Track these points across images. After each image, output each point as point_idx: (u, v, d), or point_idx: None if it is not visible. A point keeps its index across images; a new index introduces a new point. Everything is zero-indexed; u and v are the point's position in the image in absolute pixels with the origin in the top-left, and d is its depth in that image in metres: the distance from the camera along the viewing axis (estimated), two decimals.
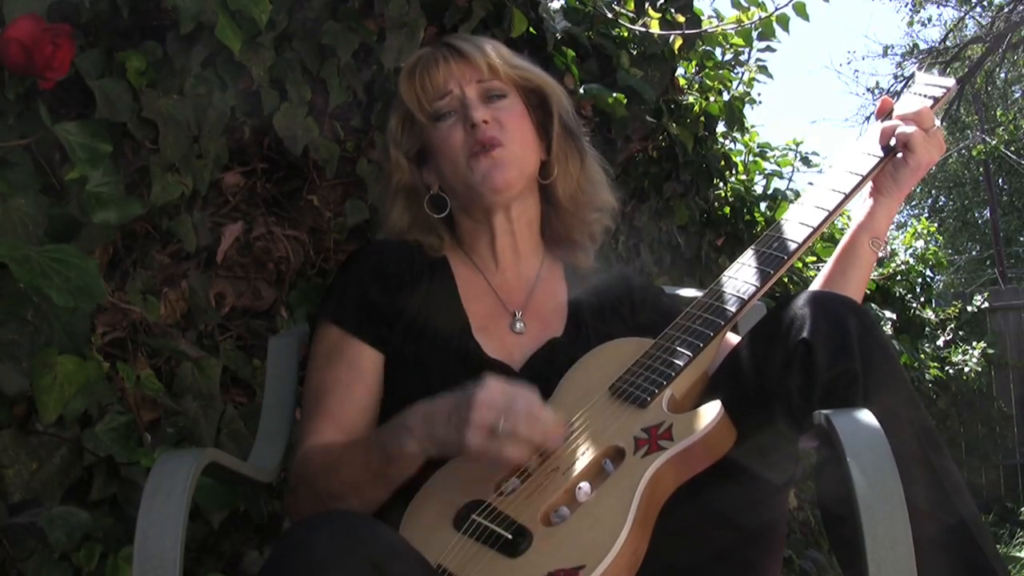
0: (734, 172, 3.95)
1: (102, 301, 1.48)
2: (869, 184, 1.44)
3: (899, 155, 1.42)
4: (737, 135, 4.02)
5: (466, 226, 1.51)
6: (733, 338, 1.39)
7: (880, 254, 1.44)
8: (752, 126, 4.10)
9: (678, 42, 2.98)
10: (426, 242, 1.50)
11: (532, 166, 1.48)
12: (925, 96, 1.45)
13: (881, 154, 1.42)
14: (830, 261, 1.46)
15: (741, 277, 1.32)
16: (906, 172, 1.41)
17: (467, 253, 1.51)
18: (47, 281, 1.34)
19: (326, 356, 1.41)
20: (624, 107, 2.68)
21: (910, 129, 1.40)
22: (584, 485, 1.14)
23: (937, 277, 8.24)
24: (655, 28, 2.86)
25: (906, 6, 13.44)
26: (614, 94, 2.64)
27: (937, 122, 1.43)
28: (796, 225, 1.36)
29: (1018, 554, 5.12)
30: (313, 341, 1.45)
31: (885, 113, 1.46)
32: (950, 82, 1.47)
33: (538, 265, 1.52)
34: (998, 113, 13.75)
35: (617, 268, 1.58)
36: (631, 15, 2.90)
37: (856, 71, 23.26)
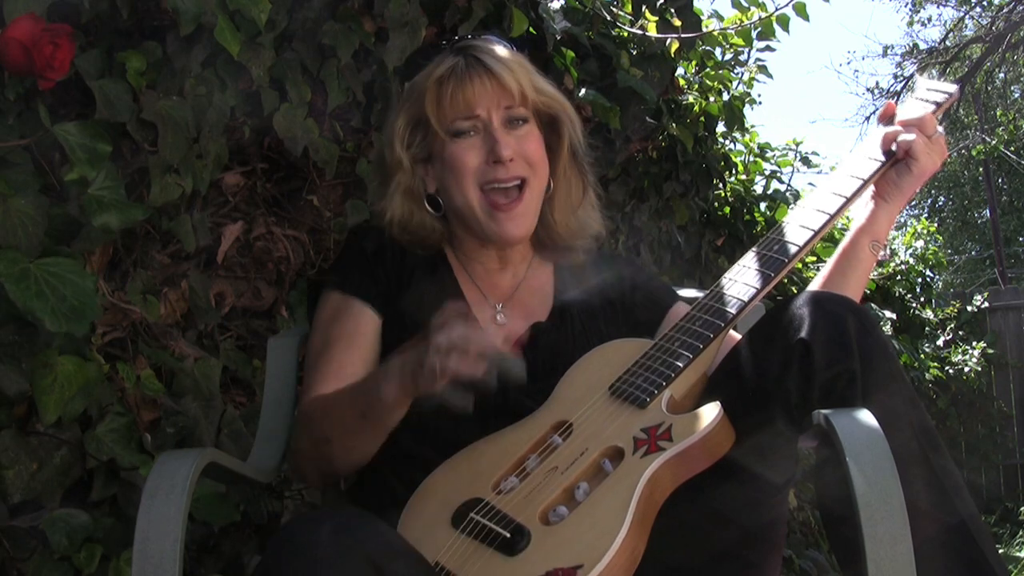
0: (734, 172, 3.95)
1: (97, 318, 1.49)
2: (871, 187, 1.44)
3: (902, 161, 1.42)
4: (737, 135, 4.02)
5: (458, 232, 1.50)
6: (735, 335, 1.39)
7: (880, 257, 1.44)
8: (752, 126, 4.10)
9: (675, 45, 2.98)
10: (422, 239, 1.49)
11: (542, 201, 1.48)
12: (927, 101, 1.45)
13: (883, 158, 1.42)
14: (829, 263, 1.46)
15: (742, 279, 1.33)
16: (909, 179, 1.41)
17: (454, 247, 1.52)
18: (41, 303, 1.36)
19: (329, 317, 1.44)
20: (618, 118, 2.68)
21: (912, 136, 1.40)
22: (583, 485, 1.14)
23: (937, 277, 8.24)
24: (652, 31, 2.86)
25: (906, 6, 13.44)
26: (609, 104, 2.64)
27: (940, 129, 1.43)
28: (797, 228, 1.36)
29: (1018, 554, 5.13)
30: (316, 310, 1.47)
31: (888, 117, 1.46)
32: (952, 88, 1.47)
33: (526, 268, 1.53)
34: (998, 113, 13.74)
35: (608, 263, 1.57)
36: (630, 17, 2.90)
37: (856, 71, 23.24)
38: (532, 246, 1.55)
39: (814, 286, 1.45)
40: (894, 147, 1.41)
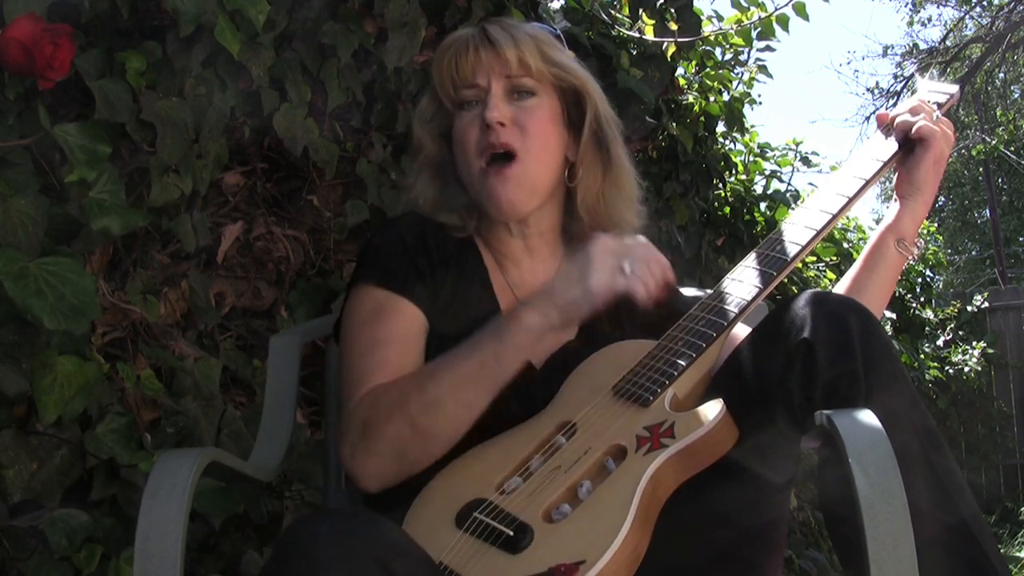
0: (734, 172, 3.95)
1: (96, 318, 1.49)
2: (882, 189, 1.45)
3: (912, 154, 1.42)
4: (737, 135, 4.02)
5: (485, 215, 1.46)
6: (741, 333, 1.39)
7: (913, 255, 1.44)
8: (752, 126, 4.10)
9: (671, 48, 2.98)
10: (449, 222, 1.46)
11: (549, 181, 1.42)
12: (928, 103, 1.45)
13: (884, 158, 1.42)
14: (858, 262, 1.46)
15: (744, 279, 1.33)
16: (921, 168, 1.40)
17: (485, 239, 1.48)
18: (40, 302, 1.35)
19: (371, 316, 1.34)
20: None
21: (914, 118, 1.40)
22: (586, 483, 1.14)
23: (937, 277, 8.25)
24: (650, 33, 2.86)
25: (906, 6, 13.44)
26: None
27: (938, 113, 1.43)
28: (799, 228, 1.36)
29: (1018, 554, 5.13)
30: (350, 306, 1.39)
31: (885, 124, 1.47)
32: (953, 88, 1.47)
33: (556, 266, 1.48)
34: (998, 113, 13.75)
35: None
36: (628, 19, 2.90)
37: (856, 71, 23.19)
38: (561, 239, 1.50)
39: (843, 284, 1.46)
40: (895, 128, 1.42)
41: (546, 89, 1.42)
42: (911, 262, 1.43)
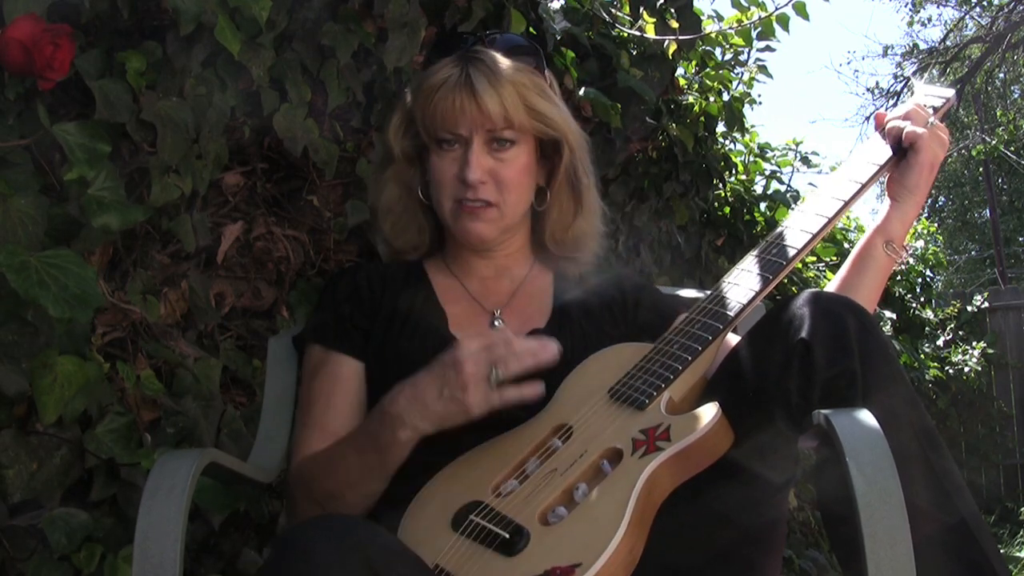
0: (734, 172, 3.95)
1: (100, 305, 1.49)
2: (881, 189, 1.45)
3: (906, 157, 1.42)
4: (737, 135, 4.02)
5: (448, 233, 1.51)
6: (734, 338, 1.39)
7: (900, 260, 1.44)
8: (752, 126, 4.10)
9: (672, 47, 2.98)
10: (404, 247, 1.52)
11: (519, 216, 1.47)
12: (924, 106, 1.46)
13: (880, 162, 1.42)
14: (847, 263, 1.46)
15: (740, 282, 1.34)
16: (911, 173, 1.41)
17: (446, 261, 1.52)
18: (44, 292, 1.35)
19: (311, 372, 1.45)
20: (619, 118, 2.68)
21: (904, 123, 1.41)
22: (582, 486, 1.14)
23: (937, 277, 8.25)
24: (651, 32, 2.86)
25: (906, 6, 13.45)
26: (610, 103, 2.64)
27: (932, 119, 1.43)
28: (795, 231, 1.37)
29: (1018, 554, 5.13)
30: (302, 363, 1.50)
31: (882, 125, 1.47)
32: (950, 92, 1.48)
33: (525, 272, 1.52)
34: (998, 113, 13.76)
35: (610, 270, 1.56)
36: (628, 19, 2.90)
37: (856, 71, 23.26)
38: (532, 251, 1.54)
39: (832, 285, 1.46)
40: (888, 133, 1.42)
41: (525, 137, 1.43)
42: (901, 266, 1.44)
